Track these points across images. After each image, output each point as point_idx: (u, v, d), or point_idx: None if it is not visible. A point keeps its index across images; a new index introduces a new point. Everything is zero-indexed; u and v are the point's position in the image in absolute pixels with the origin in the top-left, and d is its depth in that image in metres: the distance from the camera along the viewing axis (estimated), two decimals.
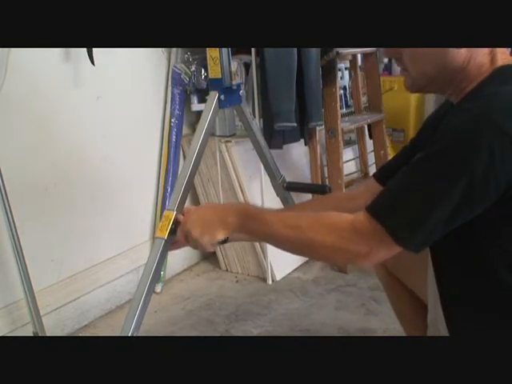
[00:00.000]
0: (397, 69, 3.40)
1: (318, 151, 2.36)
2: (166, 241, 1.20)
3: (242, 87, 1.49)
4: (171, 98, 2.16)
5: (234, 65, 2.10)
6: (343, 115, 2.54)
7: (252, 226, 1.01)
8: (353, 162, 2.89)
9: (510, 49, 0.96)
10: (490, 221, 0.85)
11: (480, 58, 0.89)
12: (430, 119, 1.12)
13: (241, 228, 1.02)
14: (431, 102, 3.71)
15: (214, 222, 1.04)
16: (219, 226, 1.03)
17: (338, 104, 2.27)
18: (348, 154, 2.81)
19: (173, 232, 1.19)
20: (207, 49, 1.39)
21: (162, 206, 2.17)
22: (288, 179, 1.70)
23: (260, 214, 1.00)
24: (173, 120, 2.16)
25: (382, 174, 1.19)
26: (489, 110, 0.80)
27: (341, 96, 2.55)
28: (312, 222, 0.93)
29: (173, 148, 2.17)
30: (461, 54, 0.88)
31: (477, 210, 0.82)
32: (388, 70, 3.47)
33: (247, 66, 2.21)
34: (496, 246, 0.87)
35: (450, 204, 0.81)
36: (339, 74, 2.46)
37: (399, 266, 1.22)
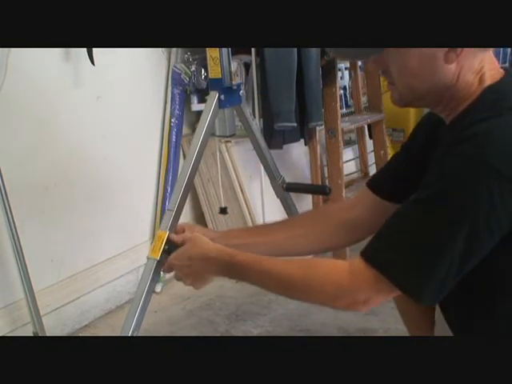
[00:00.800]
0: None
1: (318, 151, 2.36)
2: (158, 262, 1.19)
3: (242, 87, 1.49)
4: (171, 98, 2.16)
5: (234, 65, 2.10)
6: (343, 115, 2.54)
7: (241, 279, 1.03)
8: (353, 162, 2.89)
9: (499, 61, 0.94)
10: (494, 256, 0.83)
11: (469, 77, 0.88)
12: (423, 126, 1.09)
13: (229, 278, 1.06)
14: None
15: (202, 275, 1.08)
16: (207, 278, 1.08)
17: (338, 104, 2.27)
18: (348, 154, 2.81)
19: (166, 252, 1.17)
20: (207, 49, 1.39)
21: (161, 205, 2.17)
22: (288, 179, 1.69)
23: (246, 268, 0.99)
24: (173, 120, 2.16)
25: (376, 183, 1.15)
26: (485, 154, 0.78)
27: (341, 96, 2.55)
28: (305, 272, 0.92)
29: (173, 148, 2.17)
30: (450, 69, 0.86)
31: (483, 254, 0.81)
32: None
33: (247, 66, 2.21)
34: (500, 284, 0.87)
35: (455, 252, 0.80)
36: (339, 73, 2.46)
37: None
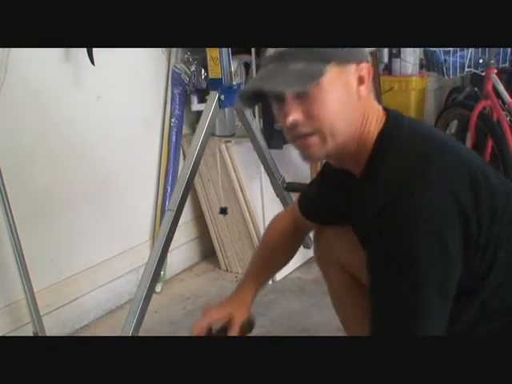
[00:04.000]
0: (397, 69, 3.39)
1: None
2: None
3: (242, 87, 1.49)
4: (171, 98, 2.16)
5: (234, 65, 2.10)
6: None
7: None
8: None
9: (499, 61, 0.97)
10: None
11: (371, 117, 0.92)
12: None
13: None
14: (431, 102, 3.72)
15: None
16: None
17: None
18: None
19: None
20: (207, 49, 1.39)
21: (161, 205, 2.17)
22: (288, 179, 1.70)
23: None
24: (173, 120, 2.16)
25: (311, 213, 1.23)
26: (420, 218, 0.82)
27: None
28: None
29: (173, 148, 2.17)
30: (360, 107, 0.91)
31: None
32: (388, 69, 3.46)
33: (247, 66, 2.21)
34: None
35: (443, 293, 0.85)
36: None
37: (350, 258, 1.22)
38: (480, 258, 0.88)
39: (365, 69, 0.90)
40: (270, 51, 0.91)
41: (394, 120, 0.93)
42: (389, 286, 0.87)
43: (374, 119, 0.93)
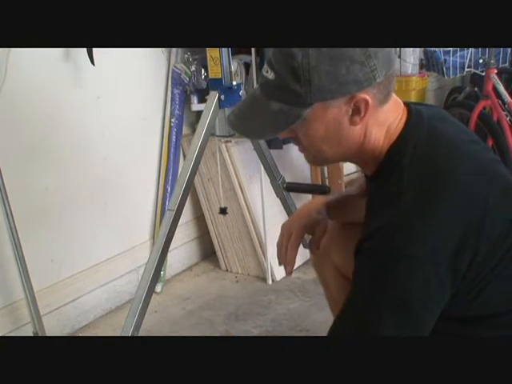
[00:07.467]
0: (396, 69, 3.39)
1: None
2: None
3: (242, 87, 1.49)
4: (171, 98, 2.16)
5: (234, 65, 2.10)
6: None
7: None
8: None
9: (499, 61, 0.95)
10: None
11: (375, 131, 0.89)
12: None
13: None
14: (431, 102, 3.71)
15: None
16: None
17: None
18: None
19: None
20: (207, 49, 1.39)
21: (161, 205, 2.17)
22: (288, 179, 1.70)
23: None
24: (173, 120, 2.16)
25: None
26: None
27: None
28: None
29: (173, 148, 2.17)
30: (356, 130, 0.87)
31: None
32: None
33: (247, 66, 2.21)
34: None
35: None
36: None
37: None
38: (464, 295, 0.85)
39: (361, 100, 0.83)
40: (264, 69, 0.89)
41: (410, 131, 0.89)
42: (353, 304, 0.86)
43: (380, 135, 0.89)
